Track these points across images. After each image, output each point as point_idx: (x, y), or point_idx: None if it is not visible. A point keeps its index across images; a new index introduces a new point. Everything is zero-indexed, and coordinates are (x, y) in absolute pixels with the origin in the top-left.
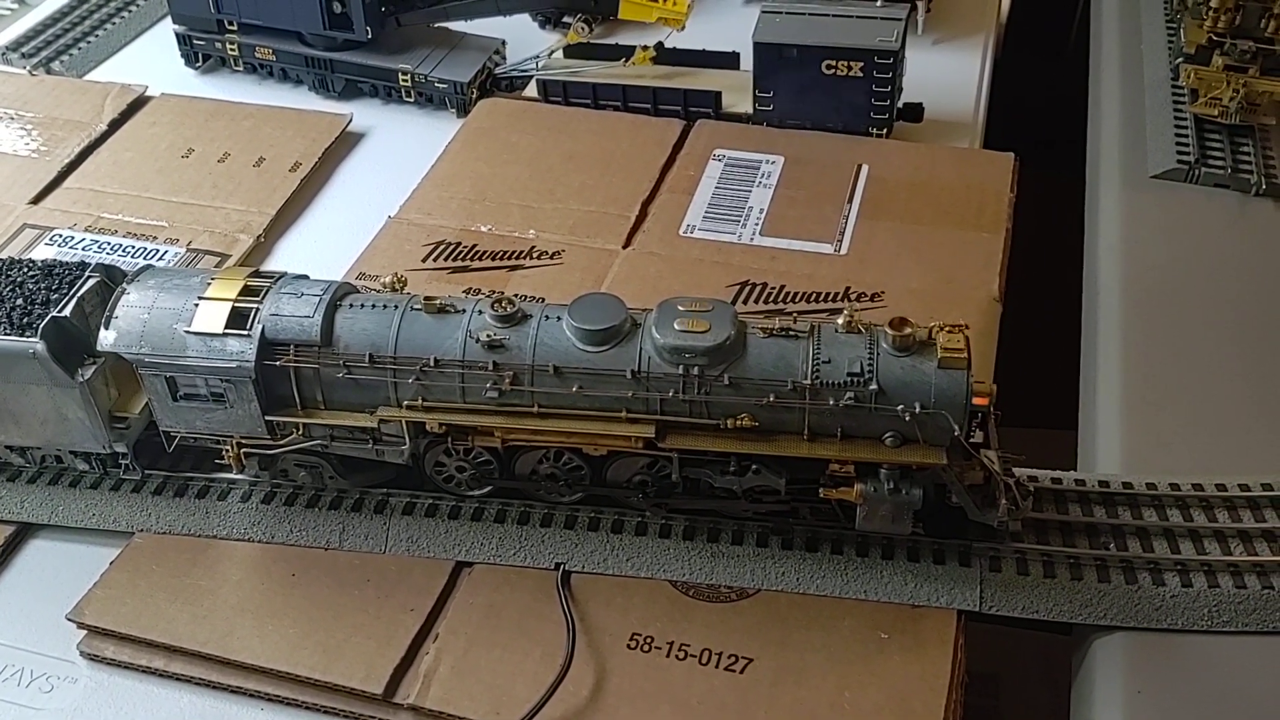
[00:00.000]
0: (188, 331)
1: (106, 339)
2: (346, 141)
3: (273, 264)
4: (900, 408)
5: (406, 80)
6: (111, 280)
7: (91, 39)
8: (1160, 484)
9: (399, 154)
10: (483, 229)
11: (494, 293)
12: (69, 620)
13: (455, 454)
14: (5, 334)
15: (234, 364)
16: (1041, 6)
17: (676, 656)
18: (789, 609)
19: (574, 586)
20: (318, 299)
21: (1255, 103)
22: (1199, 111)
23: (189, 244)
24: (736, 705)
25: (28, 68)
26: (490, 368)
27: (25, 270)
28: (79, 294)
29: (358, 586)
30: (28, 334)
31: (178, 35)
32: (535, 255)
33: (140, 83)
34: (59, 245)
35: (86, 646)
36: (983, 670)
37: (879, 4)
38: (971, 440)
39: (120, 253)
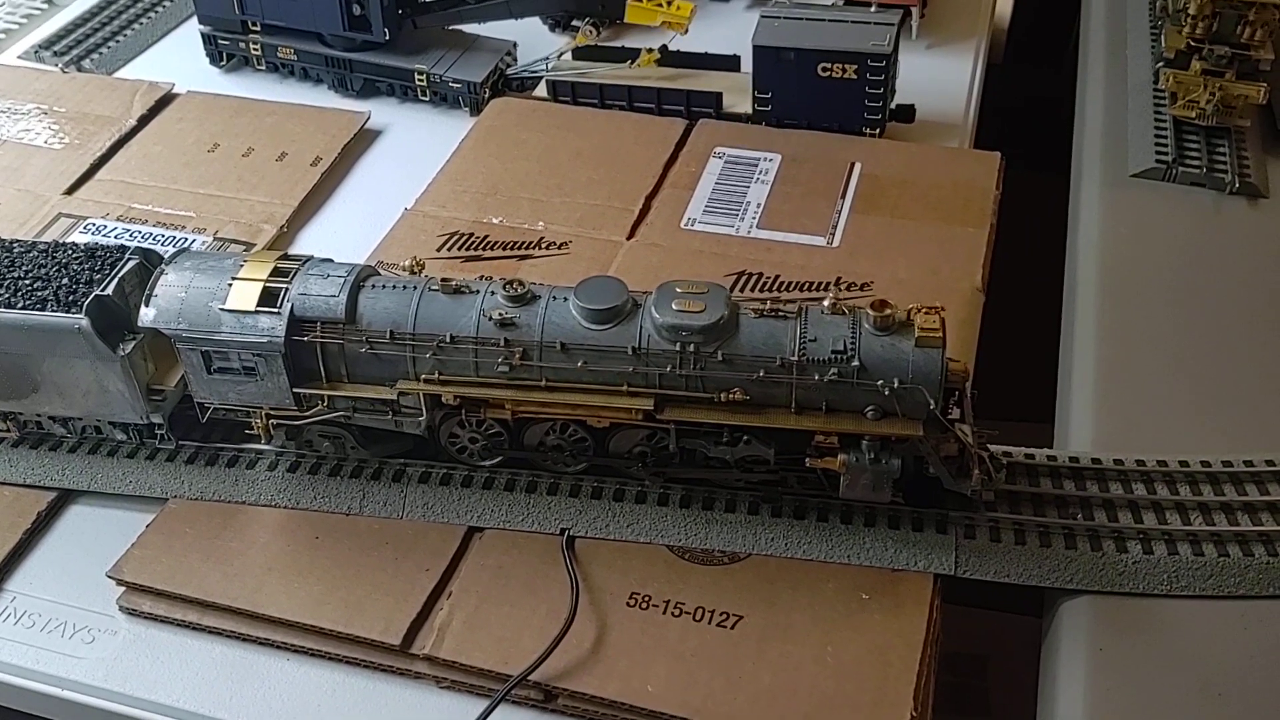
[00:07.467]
0: (222, 309)
1: (147, 315)
2: (364, 138)
3: (296, 252)
4: (880, 383)
5: (422, 80)
6: (149, 262)
7: (120, 38)
8: (1127, 460)
9: (414, 150)
10: (494, 221)
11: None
12: (109, 577)
13: (468, 426)
14: (53, 311)
15: (265, 339)
16: (1042, 17)
17: (672, 614)
18: (777, 572)
19: (578, 550)
20: (343, 280)
21: (1231, 105)
22: (1177, 114)
23: (215, 233)
24: (727, 658)
25: (59, 65)
26: (502, 344)
27: (70, 252)
28: (119, 274)
29: (377, 548)
30: (73, 311)
31: (203, 35)
32: (544, 245)
33: (167, 80)
34: (93, 234)
35: (125, 602)
36: (972, 652)
37: (873, 9)
38: (949, 416)
39: (151, 240)
